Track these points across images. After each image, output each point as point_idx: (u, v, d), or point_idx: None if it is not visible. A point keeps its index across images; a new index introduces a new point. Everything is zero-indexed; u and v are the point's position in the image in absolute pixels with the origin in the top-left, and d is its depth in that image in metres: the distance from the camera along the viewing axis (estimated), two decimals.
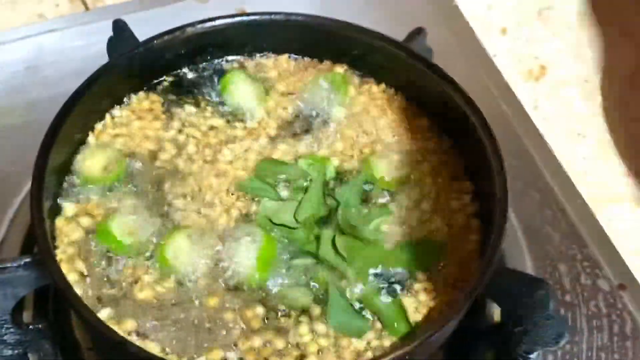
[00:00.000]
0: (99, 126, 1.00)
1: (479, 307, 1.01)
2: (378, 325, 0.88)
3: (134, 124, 1.01)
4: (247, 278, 0.90)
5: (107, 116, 1.01)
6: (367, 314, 0.89)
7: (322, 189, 0.96)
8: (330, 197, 0.96)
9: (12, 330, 0.93)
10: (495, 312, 1.01)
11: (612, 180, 1.26)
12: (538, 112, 1.32)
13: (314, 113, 1.04)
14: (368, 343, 0.87)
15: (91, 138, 0.99)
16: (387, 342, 0.87)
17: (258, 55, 1.08)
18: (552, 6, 1.46)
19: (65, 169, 0.96)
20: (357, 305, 0.89)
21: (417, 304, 0.89)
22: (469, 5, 1.39)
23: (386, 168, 0.98)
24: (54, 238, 0.91)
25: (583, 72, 1.38)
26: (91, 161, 0.97)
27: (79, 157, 0.97)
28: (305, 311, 0.88)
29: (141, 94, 1.04)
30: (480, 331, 0.97)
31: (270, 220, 0.94)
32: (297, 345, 0.86)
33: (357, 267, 0.91)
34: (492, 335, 0.96)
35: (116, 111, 1.02)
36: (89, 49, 1.19)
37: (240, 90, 1.04)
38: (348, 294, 0.89)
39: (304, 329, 0.87)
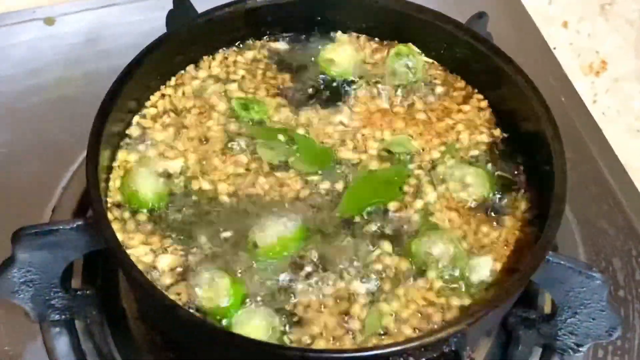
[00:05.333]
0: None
1: (530, 297, 1.00)
2: None
3: None
4: None
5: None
6: None
7: None
8: None
9: (60, 294, 0.93)
10: (547, 302, 1.00)
11: None
12: (597, 106, 1.31)
13: None
14: None
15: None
16: None
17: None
18: (614, 2, 1.44)
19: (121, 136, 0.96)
20: None
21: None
22: None
23: None
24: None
25: None
26: None
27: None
28: None
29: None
30: (530, 321, 0.95)
31: None
32: None
33: None
34: (543, 325, 0.94)
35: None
36: (148, 23, 1.18)
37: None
38: None
39: None
